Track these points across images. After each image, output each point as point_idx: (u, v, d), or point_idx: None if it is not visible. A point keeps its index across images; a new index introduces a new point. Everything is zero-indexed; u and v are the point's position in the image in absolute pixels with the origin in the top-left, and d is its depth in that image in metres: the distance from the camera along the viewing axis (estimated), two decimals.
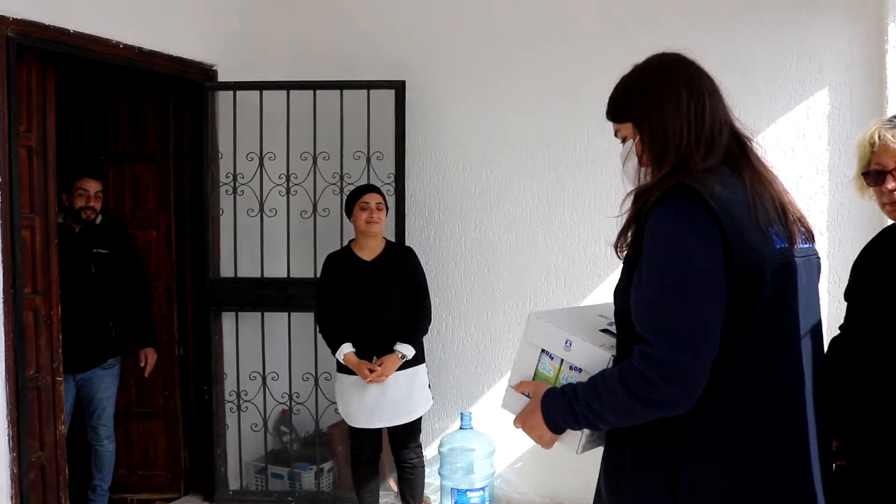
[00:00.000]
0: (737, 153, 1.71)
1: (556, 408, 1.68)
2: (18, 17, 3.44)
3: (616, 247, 1.71)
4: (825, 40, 4.11)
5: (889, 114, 3.87)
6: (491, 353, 4.71)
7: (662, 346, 1.52)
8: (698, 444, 1.57)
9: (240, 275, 4.59)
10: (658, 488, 1.60)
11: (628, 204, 1.69)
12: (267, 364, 4.60)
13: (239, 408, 4.65)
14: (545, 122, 4.54)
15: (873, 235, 4.00)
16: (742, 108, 4.38)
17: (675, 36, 4.21)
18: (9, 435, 3.50)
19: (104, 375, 4.34)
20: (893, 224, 2.19)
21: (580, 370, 1.72)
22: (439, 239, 4.76)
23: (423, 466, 4.14)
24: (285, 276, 4.57)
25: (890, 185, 2.05)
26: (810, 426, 1.66)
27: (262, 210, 4.54)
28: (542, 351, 1.81)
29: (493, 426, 4.42)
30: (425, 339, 4.14)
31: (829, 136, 4.14)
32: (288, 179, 4.53)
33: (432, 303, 4.14)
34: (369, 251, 4.01)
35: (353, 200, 4.00)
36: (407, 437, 4.04)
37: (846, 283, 4.08)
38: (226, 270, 4.65)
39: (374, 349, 3.89)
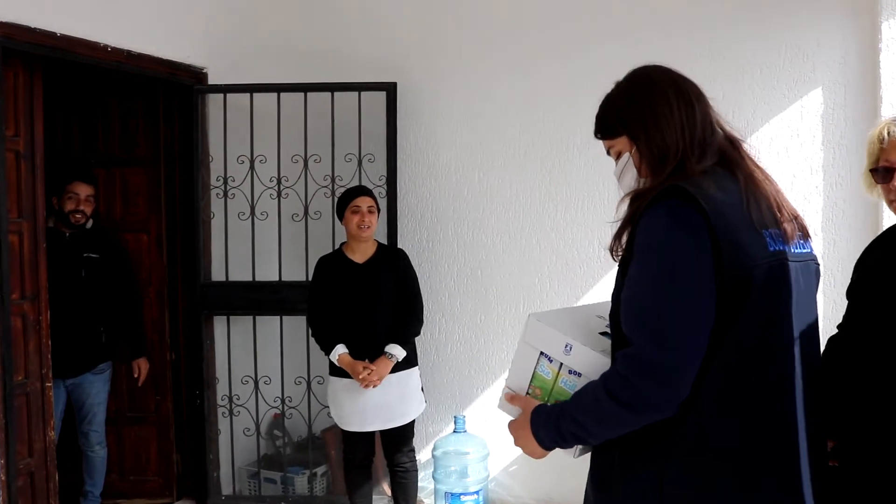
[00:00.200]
0: (730, 154, 1.72)
1: (543, 428, 1.68)
2: (4, 21, 3.40)
3: (611, 250, 1.71)
4: (819, 39, 4.11)
5: (883, 112, 3.86)
6: (484, 355, 4.69)
7: (646, 346, 1.52)
8: (685, 446, 1.57)
9: (231, 278, 4.57)
10: (646, 490, 1.59)
11: (624, 208, 1.69)
12: (259, 368, 4.57)
13: (231, 412, 4.62)
14: (538, 124, 4.53)
15: (867, 235, 4.01)
16: (736, 109, 4.45)
17: (670, 37, 4.25)
18: None
19: (95, 380, 4.31)
20: None
21: (579, 375, 1.70)
22: (432, 241, 4.74)
23: (417, 470, 4.12)
24: (277, 279, 4.54)
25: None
26: (801, 429, 1.65)
27: (253, 213, 4.52)
28: (541, 353, 1.79)
29: (487, 429, 4.40)
30: (418, 342, 4.12)
31: (824, 136, 4.12)
32: (279, 182, 4.51)
33: (425, 306, 4.12)
34: (361, 254, 3.99)
35: (345, 203, 3.97)
36: (400, 440, 4.01)
37: (841, 283, 4.10)
38: (217, 274, 4.63)
39: (366, 352, 3.86)
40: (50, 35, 3.60)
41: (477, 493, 4.30)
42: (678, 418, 1.54)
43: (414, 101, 4.64)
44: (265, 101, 4.48)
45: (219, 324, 4.66)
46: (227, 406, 4.62)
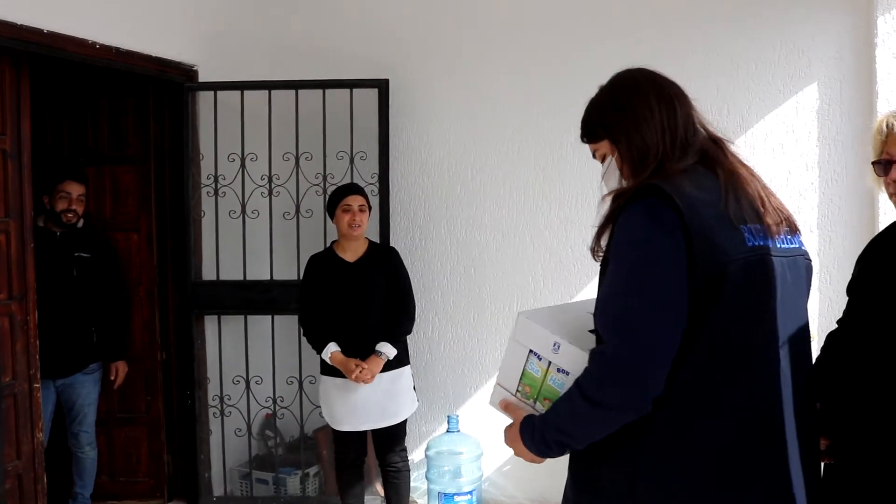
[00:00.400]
0: (713, 153, 1.72)
1: (530, 441, 1.69)
2: None
3: (593, 250, 1.73)
4: (814, 35, 4.09)
5: (878, 108, 3.84)
6: (478, 354, 4.66)
7: (616, 344, 1.53)
8: (656, 445, 1.57)
9: (222, 277, 4.52)
10: (619, 489, 1.61)
11: (605, 208, 1.71)
12: (250, 368, 4.54)
13: (222, 412, 4.59)
14: (532, 121, 4.50)
15: (863, 231, 3.98)
16: (731, 105, 4.42)
17: (665, 35, 4.22)
18: None
19: (85, 381, 4.27)
20: None
21: (567, 373, 1.70)
22: (424, 240, 4.71)
23: (409, 470, 4.09)
24: (268, 278, 4.51)
25: (894, 174, 2.02)
26: (789, 427, 1.64)
27: (244, 212, 4.48)
28: (531, 351, 1.79)
29: (481, 429, 4.37)
30: (411, 341, 4.09)
31: (819, 132, 4.10)
32: (270, 180, 4.47)
33: (418, 304, 4.09)
34: (352, 252, 3.96)
35: (336, 202, 3.93)
36: (392, 440, 3.98)
37: (836, 279, 4.08)
38: (208, 273, 4.59)
39: (358, 351, 3.83)
40: (36, 32, 3.56)
41: (470, 493, 4.28)
42: (650, 417, 1.55)
43: (406, 98, 4.61)
44: (256, 98, 4.44)
45: (210, 323, 4.62)
46: (219, 406, 4.58)
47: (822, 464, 2.11)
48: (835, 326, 2.27)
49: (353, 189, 4.00)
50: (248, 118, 4.44)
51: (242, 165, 4.45)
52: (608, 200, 1.71)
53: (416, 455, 4.56)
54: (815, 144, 4.10)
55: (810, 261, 1.78)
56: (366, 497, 4.17)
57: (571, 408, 1.58)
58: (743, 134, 4.16)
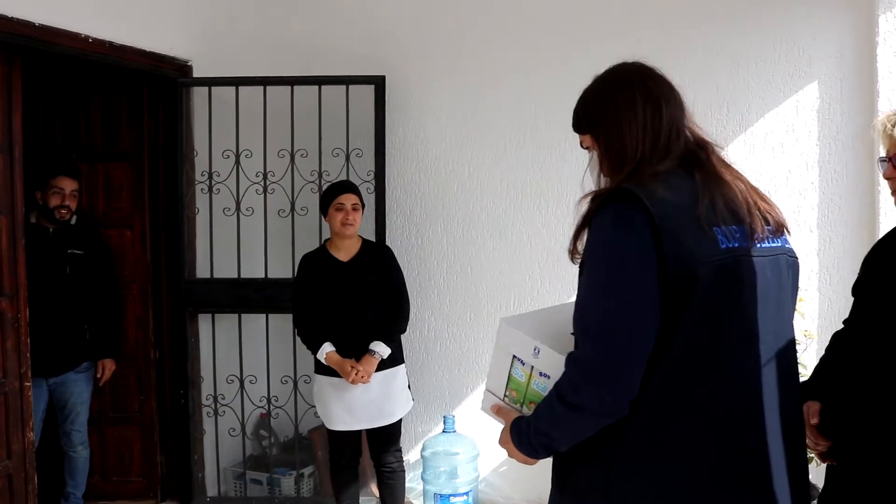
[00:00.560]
0: (695, 155, 1.71)
1: (518, 443, 1.71)
2: None
3: (571, 253, 1.74)
4: (815, 33, 4.07)
5: (879, 107, 3.82)
6: (474, 354, 4.62)
7: (588, 348, 1.56)
8: (630, 446, 1.58)
9: (216, 275, 4.48)
10: (595, 490, 1.62)
11: (583, 209, 1.71)
12: (245, 367, 4.50)
13: (216, 412, 4.55)
14: (528, 119, 4.47)
15: (863, 231, 3.96)
16: (731, 104, 4.40)
17: (665, 33, 4.19)
18: None
19: (78, 379, 4.24)
20: None
21: (549, 377, 1.72)
22: (420, 238, 4.67)
23: (404, 471, 4.05)
24: (263, 276, 4.47)
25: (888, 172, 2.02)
26: (770, 427, 1.63)
27: (238, 209, 4.44)
28: (514, 357, 1.81)
29: (477, 429, 4.33)
30: (406, 340, 4.06)
31: (819, 131, 4.08)
32: (265, 177, 4.43)
33: (414, 303, 4.06)
34: (345, 251, 3.91)
35: (329, 200, 3.89)
36: (387, 440, 3.95)
37: (836, 280, 4.06)
38: (202, 271, 4.55)
39: (352, 350, 3.79)
40: (28, 25, 3.51)
41: (466, 494, 4.25)
42: (626, 420, 1.56)
43: (403, 95, 4.57)
44: (251, 94, 4.40)
45: (203, 321, 4.58)
46: (213, 406, 4.54)
47: (825, 465, 2.10)
48: (835, 326, 2.25)
49: (346, 187, 3.96)
50: (243, 114, 4.40)
51: (237, 162, 4.41)
52: (586, 202, 1.70)
53: (412, 455, 4.53)
54: (815, 143, 4.08)
55: (796, 258, 1.77)
56: (361, 498, 4.13)
57: (551, 411, 1.61)
58: (743, 133, 4.14)
